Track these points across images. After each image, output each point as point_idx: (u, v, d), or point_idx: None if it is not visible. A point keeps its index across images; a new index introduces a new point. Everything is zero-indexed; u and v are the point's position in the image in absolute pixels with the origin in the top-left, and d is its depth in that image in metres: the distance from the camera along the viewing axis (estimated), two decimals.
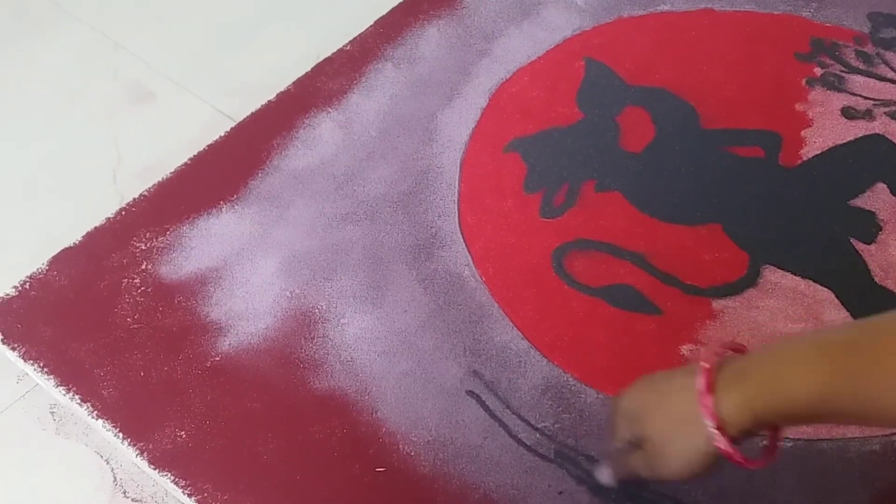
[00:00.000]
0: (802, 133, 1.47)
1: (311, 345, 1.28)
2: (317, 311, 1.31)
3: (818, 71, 1.56)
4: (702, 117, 1.51)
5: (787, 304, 1.28)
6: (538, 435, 1.17)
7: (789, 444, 1.14)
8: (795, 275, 1.31)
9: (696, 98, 1.53)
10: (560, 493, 1.12)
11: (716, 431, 0.87)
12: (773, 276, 1.31)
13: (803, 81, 1.54)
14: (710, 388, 0.88)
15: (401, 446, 1.17)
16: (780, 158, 1.45)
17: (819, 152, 1.45)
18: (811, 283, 1.30)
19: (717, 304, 1.29)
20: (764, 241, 1.35)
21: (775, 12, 1.65)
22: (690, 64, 1.58)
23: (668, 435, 0.93)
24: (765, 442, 0.95)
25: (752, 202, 1.40)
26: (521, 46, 1.62)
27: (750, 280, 1.31)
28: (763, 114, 1.50)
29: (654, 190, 1.42)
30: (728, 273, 1.32)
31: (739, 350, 0.94)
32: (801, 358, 0.86)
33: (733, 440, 0.88)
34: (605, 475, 1.09)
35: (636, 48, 1.61)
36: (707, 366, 0.89)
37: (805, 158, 1.44)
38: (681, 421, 0.91)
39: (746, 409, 0.86)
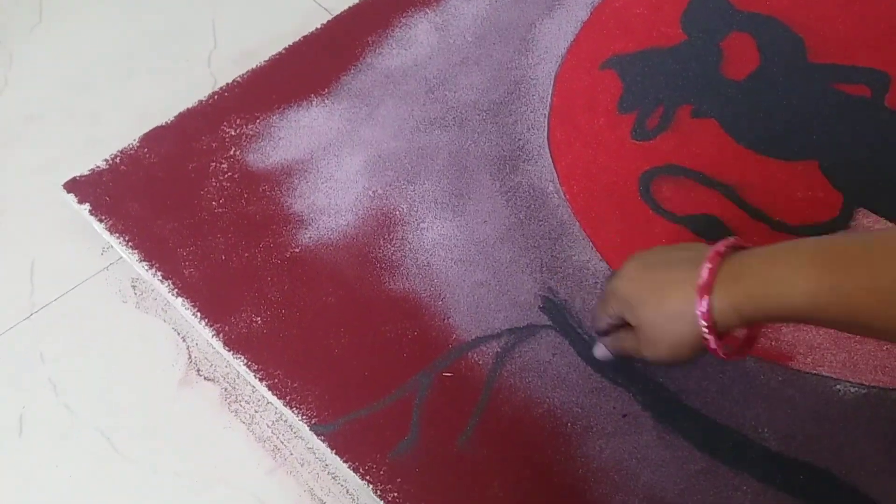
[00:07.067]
0: None
1: (389, 245, 1.28)
2: (397, 212, 1.32)
3: None
4: (810, 50, 1.45)
5: None
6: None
7: (863, 391, 1.12)
8: (889, 220, 1.27)
9: (806, 30, 1.47)
10: (624, 415, 1.12)
11: (707, 332, 0.91)
12: (865, 219, 1.27)
13: None
14: (709, 290, 0.91)
15: (469, 354, 1.18)
16: (887, 100, 1.39)
17: None
18: None
19: None
20: (860, 182, 1.31)
21: None
22: None
23: (658, 326, 0.96)
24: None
25: (852, 142, 1.35)
26: None
27: (841, 222, 1.27)
28: (874, 52, 1.44)
29: (752, 120, 1.38)
30: (819, 213, 1.28)
31: (743, 247, 0.95)
32: (795, 266, 0.87)
33: (719, 335, 0.92)
34: (599, 350, 1.13)
35: None
36: (711, 266, 0.91)
37: None
38: (673, 315, 0.94)
39: (736, 311, 0.89)
